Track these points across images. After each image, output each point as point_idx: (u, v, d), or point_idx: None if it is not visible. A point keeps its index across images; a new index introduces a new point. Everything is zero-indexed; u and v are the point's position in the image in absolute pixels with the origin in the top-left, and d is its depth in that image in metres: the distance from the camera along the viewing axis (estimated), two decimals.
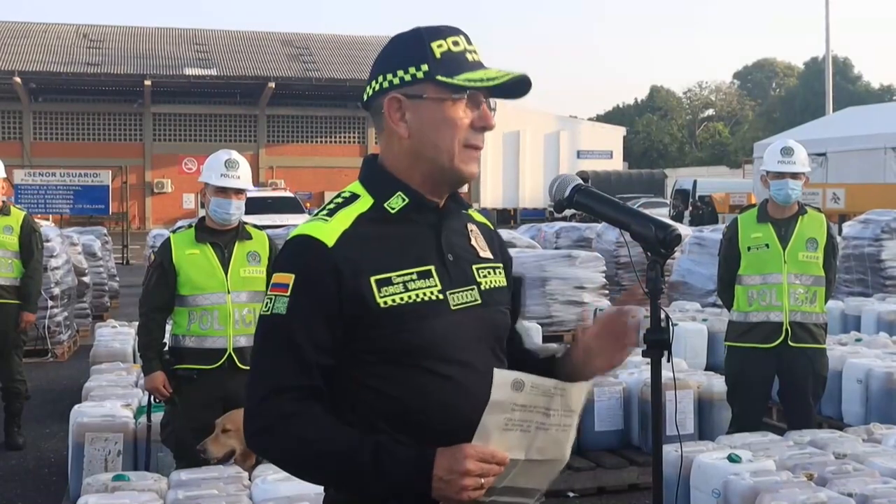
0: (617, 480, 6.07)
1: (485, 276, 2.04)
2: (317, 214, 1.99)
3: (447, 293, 1.94)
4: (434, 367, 1.90)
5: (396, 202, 1.97)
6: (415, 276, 1.92)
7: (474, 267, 2.03)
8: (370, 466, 1.80)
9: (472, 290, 1.99)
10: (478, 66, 1.98)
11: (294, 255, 1.93)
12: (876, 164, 25.21)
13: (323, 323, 1.87)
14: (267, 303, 1.92)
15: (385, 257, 1.92)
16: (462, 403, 1.89)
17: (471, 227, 2.11)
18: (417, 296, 1.91)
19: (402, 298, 1.89)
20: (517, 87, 1.99)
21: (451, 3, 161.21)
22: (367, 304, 1.88)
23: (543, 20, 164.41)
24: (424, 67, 1.95)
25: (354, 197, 2.00)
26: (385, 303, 1.88)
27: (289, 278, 1.89)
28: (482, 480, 1.79)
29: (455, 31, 2.00)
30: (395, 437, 1.85)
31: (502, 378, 1.80)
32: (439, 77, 1.93)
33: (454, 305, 1.95)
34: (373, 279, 1.89)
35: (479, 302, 1.99)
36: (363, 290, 1.88)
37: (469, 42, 2.00)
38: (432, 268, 1.95)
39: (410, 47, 1.98)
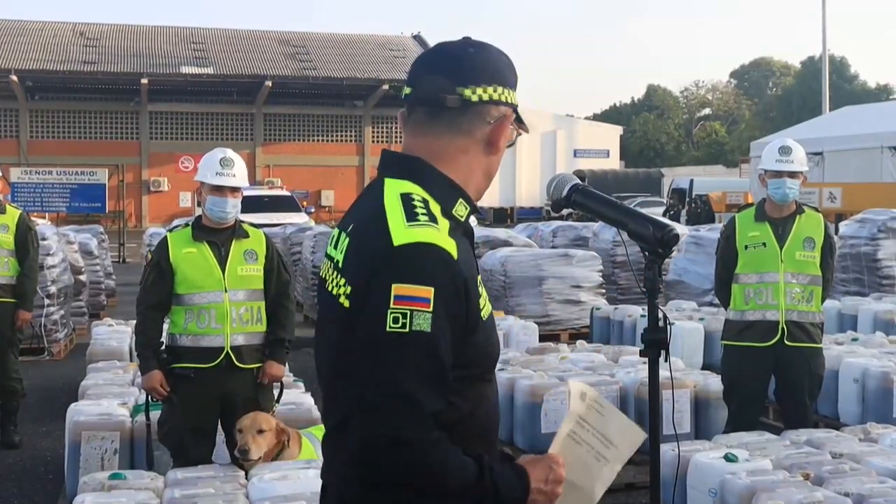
0: (614, 479, 6.06)
1: None
2: (415, 219, 1.81)
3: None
4: (490, 377, 1.95)
5: (461, 210, 1.92)
6: (482, 287, 1.92)
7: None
8: (491, 490, 1.79)
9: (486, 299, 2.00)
10: None
11: (426, 265, 1.76)
12: (872, 164, 25.23)
13: (454, 342, 1.79)
14: (398, 318, 1.72)
15: (473, 266, 1.89)
16: (496, 411, 1.97)
17: None
18: (488, 305, 1.92)
19: (486, 310, 1.90)
20: None
21: (448, 1, 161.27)
22: (477, 316, 1.84)
23: (540, 18, 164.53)
24: (512, 98, 1.98)
25: (426, 201, 1.87)
26: (484, 315, 1.88)
27: (428, 292, 1.73)
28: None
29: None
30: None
31: (576, 388, 1.93)
32: (517, 112, 1.98)
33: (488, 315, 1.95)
34: (480, 289, 1.88)
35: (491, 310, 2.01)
36: (475, 303, 1.84)
37: None
38: (479, 276, 1.95)
39: (512, 69, 2.00)
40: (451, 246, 1.79)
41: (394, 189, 1.88)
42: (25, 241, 7.17)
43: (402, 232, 1.78)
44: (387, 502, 1.79)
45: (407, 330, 1.71)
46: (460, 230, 1.88)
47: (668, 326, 2.30)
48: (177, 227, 5.34)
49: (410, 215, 1.81)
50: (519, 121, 1.99)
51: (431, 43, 22.08)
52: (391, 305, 1.72)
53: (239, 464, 4.72)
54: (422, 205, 1.84)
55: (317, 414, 5.74)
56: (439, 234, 1.79)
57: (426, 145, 1.94)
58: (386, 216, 1.82)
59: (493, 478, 1.79)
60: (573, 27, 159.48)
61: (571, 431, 1.90)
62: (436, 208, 1.86)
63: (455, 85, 1.91)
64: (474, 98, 1.91)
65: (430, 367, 1.73)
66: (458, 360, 1.79)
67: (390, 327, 1.72)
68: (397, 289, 1.73)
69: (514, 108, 1.96)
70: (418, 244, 1.76)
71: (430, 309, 1.72)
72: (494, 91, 1.93)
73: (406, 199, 1.85)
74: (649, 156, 71.69)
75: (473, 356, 1.84)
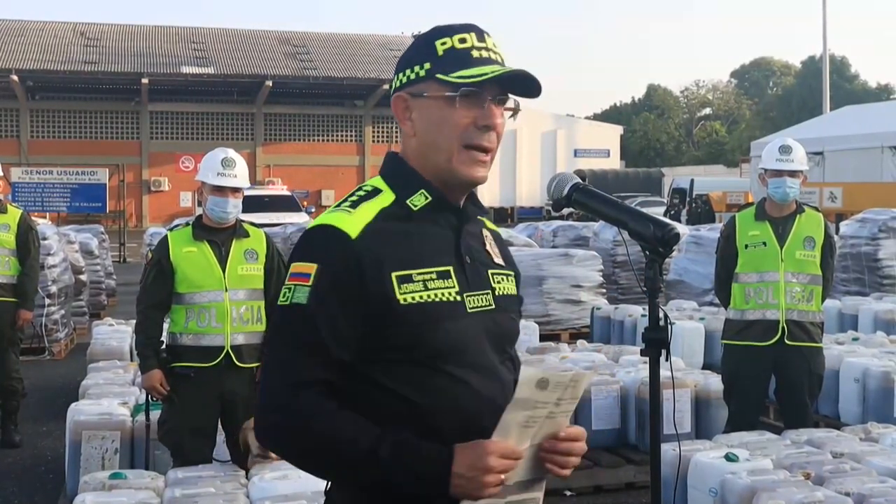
0: (614, 479, 6.07)
1: (499, 282, 2.03)
2: (338, 206, 1.95)
3: (464, 295, 1.93)
4: (447, 368, 1.88)
5: (419, 199, 1.95)
6: (434, 276, 1.90)
7: (490, 272, 2.02)
8: (390, 462, 1.77)
9: (487, 294, 1.98)
10: (483, 62, 1.94)
11: (316, 244, 1.89)
12: (873, 163, 25.23)
13: (344, 316, 1.84)
14: (285, 293, 1.87)
15: (407, 254, 1.90)
16: (472, 406, 1.88)
17: (486, 232, 2.10)
18: (436, 295, 1.89)
19: (421, 297, 1.88)
20: (526, 84, 1.96)
21: (449, 1, 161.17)
22: (389, 300, 1.85)
23: (540, 18, 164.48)
24: (427, 65, 1.94)
25: (376, 191, 1.97)
26: (405, 300, 1.86)
27: (311, 268, 1.86)
28: (502, 477, 1.77)
29: (467, 28, 1.98)
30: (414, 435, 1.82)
31: (528, 376, 1.79)
32: (438, 75, 1.92)
33: (470, 308, 1.93)
34: (394, 275, 1.87)
35: (493, 307, 1.98)
36: (385, 286, 1.85)
37: (481, 39, 1.97)
38: (451, 269, 1.93)
39: (420, 46, 1.98)
40: (352, 227, 1.87)
41: (362, 184, 2.03)
42: (26, 241, 7.18)
43: (316, 219, 1.95)
44: (336, 479, 1.91)
45: (288, 303, 1.86)
46: (408, 218, 1.93)
47: (669, 326, 2.29)
48: (177, 226, 5.34)
49: (338, 204, 1.96)
50: (444, 84, 1.92)
51: None
52: (286, 282, 1.89)
53: (240, 463, 4.72)
54: (361, 195, 1.96)
55: None
56: (345, 217, 1.89)
57: (401, 142, 2.05)
58: None
59: (397, 451, 1.77)
60: (573, 27, 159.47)
61: (528, 417, 1.81)
62: (385, 198, 1.95)
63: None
64: (390, 96, 2.03)
65: (303, 338, 1.83)
66: (379, 342, 1.85)
67: (280, 301, 1.89)
68: (292, 267, 1.90)
69: (411, 83, 1.96)
70: (316, 226, 1.91)
71: (310, 283, 1.84)
72: (396, 80, 2.00)
73: (354, 191, 2.00)
74: (650, 155, 71.68)
75: (398, 342, 1.85)
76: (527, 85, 1.96)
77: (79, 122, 45.59)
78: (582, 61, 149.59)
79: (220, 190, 5.01)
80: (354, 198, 1.96)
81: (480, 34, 1.97)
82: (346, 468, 1.82)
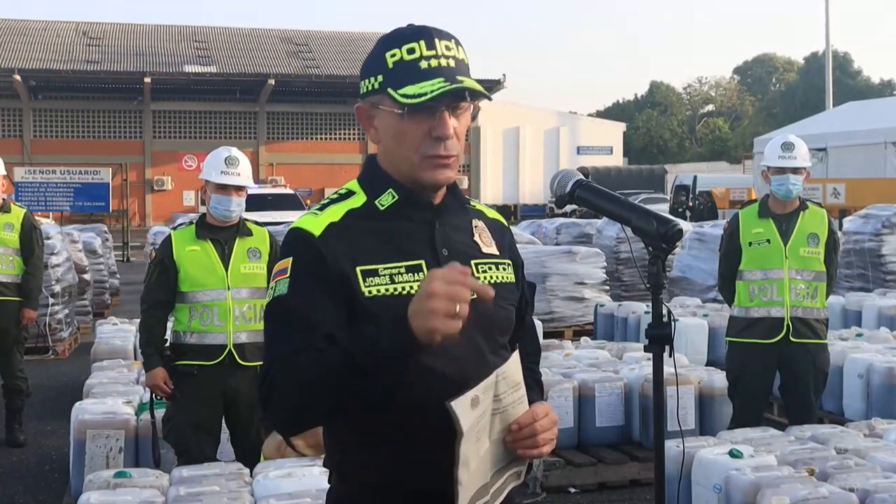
0: (618, 476, 6.07)
1: (484, 272, 2.04)
2: (310, 210, 2.07)
3: None
4: (419, 358, 1.84)
5: (386, 199, 2.01)
6: (403, 270, 1.94)
7: (473, 262, 2.03)
8: (363, 353, 1.78)
9: None
10: (430, 74, 1.93)
11: (288, 245, 2.01)
12: (876, 159, 25.21)
13: (324, 295, 1.91)
14: (270, 291, 1.98)
15: (372, 250, 1.95)
16: (446, 394, 1.83)
17: (476, 222, 2.11)
18: (404, 288, 1.92)
19: (387, 290, 1.92)
20: (474, 92, 1.96)
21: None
22: (355, 293, 1.91)
23: (541, 15, 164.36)
24: (380, 78, 1.97)
25: (350, 194, 2.06)
26: (370, 292, 1.91)
27: (286, 263, 1.96)
28: (456, 307, 1.72)
29: (416, 36, 1.96)
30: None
31: (461, 407, 1.79)
32: (388, 90, 1.95)
33: None
34: (358, 269, 1.92)
35: (473, 296, 1.95)
36: (350, 280, 1.92)
37: (430, 46, 1.95)
38: (423, 262, 1.96)
39: (374, 55, 2.00)
40: (316, 227, 1.96)
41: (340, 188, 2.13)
42: (30, 240, 7.19)
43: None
44: (329, 402, 1.87)
45: (272, 297, 1.97)
46: (375, 217, 1.99)
47: (673, 322, 2.30)
48: (181, 224, 5.34)
49: (311, 207, 2.13)
50: (401, 87, 1.93)
51: None
52: (270, 283, 2.02)
53: (244, 461, 4.72)
54: (333, 197, 2.06)
55: None
56: (311, 219, 2.00)
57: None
58: None
59: (362, 346, 1.79)
60: (576, 24, 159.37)
61: (477, 435, 1.83)
62: (356, 200, 2.03)
63: None
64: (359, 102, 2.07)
65: (287, 319, 1.92)
66: (356, 331, 1.88)
67: (267, 300, 2.00)
68: (274, 269, 2.02)
69: (369, 94, 1.99)
70: (290, 230, 2.03)
71: (288, 275, 1.95)
72: (362, 87, 2.03)
73: (330, 195, 2.11)
74: (652, 152, 71.64)
75: (371, 332, 1.86)
76: (474, 92, 1.96)
77: (82, 122, 45.61)
78: (584, 58, 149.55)
79: (224, 188, 5.01)
80: (326, 200, 2.07)
81: (430, 41, 1.95)
82: (336, 388, 1.82)
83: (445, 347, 1.82)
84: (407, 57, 1.94)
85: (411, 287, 1.92)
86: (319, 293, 1.91)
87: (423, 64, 1.94)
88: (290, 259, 1.96)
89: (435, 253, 1.99)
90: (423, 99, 1.90)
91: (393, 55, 1.95)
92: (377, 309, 1.89)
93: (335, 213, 2.00)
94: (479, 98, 1.99)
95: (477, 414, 1.83)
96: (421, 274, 1.95)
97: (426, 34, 1.96)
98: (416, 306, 1.74)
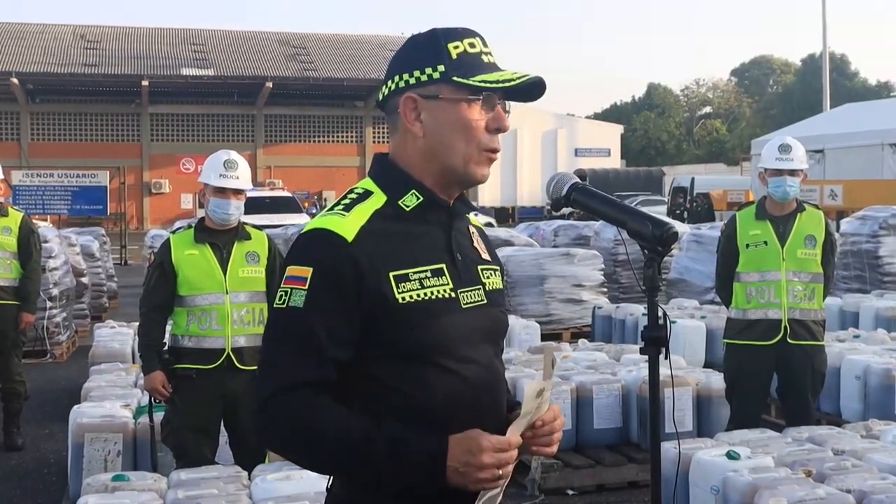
0: (616, 478, 6.08)
1: (488, 277, 2.08)
2: (331, 209, 1.98)
3: (458, 292, 1.97)
4: (444, 363, 1.92)
5: (411, 200, 1.98)
6: (429, 274, 1.94)
7: (479, 267, 2.06)
8: (385, 455, 1.80)
9: (478, 289, 2.02)
10: (493, 67, 1.99)
11: (312, 248, 1.91)
12: (873, 161, 25.20)
13: (342, 317, 1.88)
14: (281, 296, 1.90)
15: (402, 254, 1.93)
16: (469, 399, 1.93)
17: (472, 228, 2.14)
18: (432, 293, 1.93)
19: (418, 295, 1.91)
20: (532, 89, 2.01)
21: (449, 1, 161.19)
22: (387, 299, 1.88)
23: (540, 17, 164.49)
24: (441, 68, 1.96)
25: (368, 193, 2.00)
26: (403, 299, 1.90)
27: (306, 272, 1.88)
28: (499, 472, 1.80)
29: (471, 33, 2.01)
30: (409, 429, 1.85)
31: (531, 390, 1.89)
32: (455, 78, 1.94)
33: (464, 304, 1.97)
34: (392, 275, 1.90)
35: (485, 301, 2.03)
36: (382, 286, 1.89)
37: (485, 44, 2.02)
38: (444, 266, 1.97)
39: (427, 47, 1.99)
40: (347, 230, 1.89)
41: (353, 187, 2.05)
42: (28, 244, 7.19)
43: (311, 222, 1.97)
44: (333, 473, 1.95)
45: (284, 306, 1.89)
46: (401, 218, 1.96)
47: (668, 324, 2.30)
48: (179, 228, 5.35)
49: (331, 207, 1.99)
50: (456, 85, 1.95)
51: None
52: (282, 285, 1.91)
53: (242, 464, 4.72)
54: (353, 197, 1.98)
55: None
56: (340, 221, 1.91)
57: (391, 143, 2.07)
58: None
59: (392, 444, 1.80)
60: (573, 26, 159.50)
61: (526, 423, 1.91)
62: (377, 200, 1.97)
63: (383, 88, 2.05)
64: (382, 97, 2.05)
65: (300, 340, 1.86)
66: (375, 340, 1.89)
67: (276, 304, 1.92)
68: (288, 270, 1.92)
69: (421, 84, 1.96)
70: (312, 230, 1.93)
71: (306, 287, 1.87)
72: (392, 82, 2.01)
73: (345, 194, 2.02)
74: (650, 154, 71.60)
75: (395, 339, 1.89)
76: (531, 90, 2.02)
77: (79, 125, 45.61)
78: (582, 60, 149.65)
79: (223, 192, 5.01)
80: (347, 200, 1.98)
81: (483, 40, 2.02)
82: (341, 462, 1.85)
83: (457, 356, 1.91)
84: (470, 50, 1.98)
85: (438, 292, 1.93)
86: (339, 312, 1.87)
87: (485, 58, 1.99)
88: (311, 268, 1.88)
89: (452, 256, 2.00)
90: (506, 84, 1.95)
91: (456, 47, 1.97)
92: (410, 315, 1.89)
93: (362, 214, 1.94)
94: (530, 98, 2.05)
95: (535, 404, 1.90)
96: (443, 278, 1.95)
97: (477, 33, 2.02)
98: (461, 470, 1.79)
